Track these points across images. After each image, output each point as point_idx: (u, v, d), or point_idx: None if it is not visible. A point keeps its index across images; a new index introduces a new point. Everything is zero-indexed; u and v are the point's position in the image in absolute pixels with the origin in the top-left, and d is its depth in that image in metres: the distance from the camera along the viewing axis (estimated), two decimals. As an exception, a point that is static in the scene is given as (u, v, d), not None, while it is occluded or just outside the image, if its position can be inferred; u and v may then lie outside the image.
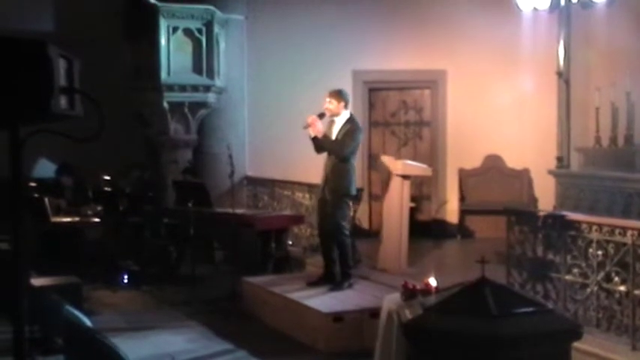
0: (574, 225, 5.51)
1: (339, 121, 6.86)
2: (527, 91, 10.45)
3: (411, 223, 7.99)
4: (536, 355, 3.33)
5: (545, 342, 3.36)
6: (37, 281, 6.24)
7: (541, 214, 6.01)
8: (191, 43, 9.52)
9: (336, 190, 6.80)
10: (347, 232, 6.92)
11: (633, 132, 8.82)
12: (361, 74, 10.66)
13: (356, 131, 6.87)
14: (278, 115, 10.30)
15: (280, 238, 8.53)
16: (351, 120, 6.90)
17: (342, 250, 6.88)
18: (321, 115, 6.83)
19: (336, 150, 6.78)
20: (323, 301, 6.38)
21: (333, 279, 6.86)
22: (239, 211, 8.45)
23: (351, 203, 6.99)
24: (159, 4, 9.25)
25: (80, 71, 2.53)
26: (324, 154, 6.94)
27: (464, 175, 10.84)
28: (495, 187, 10.70)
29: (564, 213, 5.85)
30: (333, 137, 6.82)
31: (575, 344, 3.71)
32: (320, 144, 6.84)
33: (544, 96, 10.09)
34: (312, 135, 6.80)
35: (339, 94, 6.88)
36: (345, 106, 6.90)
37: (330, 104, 6.84)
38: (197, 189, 8.51)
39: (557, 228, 5.65)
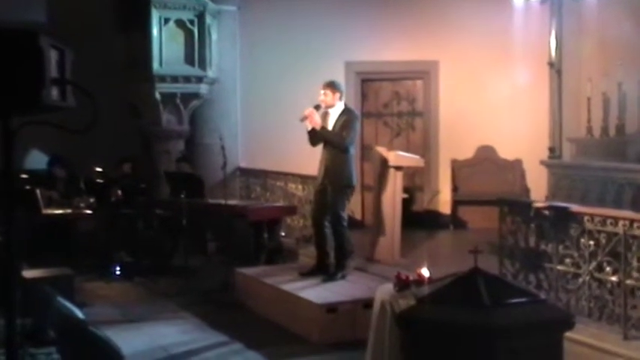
0: (571, 216, 5.50)
1: (334, 113, 6.83)
2: (520, 82, 10.44)
3: (404, 214, 7.99)
4: (529, 345, 3.34)
5: (538, 332, 3.38)
6: (28, 273, 6.21)
7: (540, 205, 6.00)
8: (183, 34, 9.49)
9: (337, 181, 6.77)
10: (345, 224, 6.90)
11: (625, 122, 8.85)
12: (354, 65, 10.65)
13: (353, 120, 6.85)
14: (270, 107, 10.29)
15: (273, 229, 8.53)
16: (347, 110, 6.88)
17: (339, 241, 6.85)
18: (317, 107, 6.79)
19: (336, 142, 6.75)
20: (316, 292, 6.38)
21: (325, 270, 6.86)
22: (232, 202, 8.44)
23: (350, 194, 6.97)
24: (151, -6, 9.21)
25: (73, 62, 2.52)
26: (320, 146, 6.92)
27: (456, 166, 10.85)
28: (488, 178, 10.70)
29: (566, 205, 5.84)
30: (330, 129, 6.80)
31: (568, 334, 3.72)
32: (319, 136, 6.81)
33: (536, 87, 10.11)
34: (310, 128, 6.79)
35: (333, 86, 6.85)
36: (340, 97, 6.87)
37: (326, 96, 6.81)
38: (190, 180, 8.50)
39: (552, 219, 5.66)
